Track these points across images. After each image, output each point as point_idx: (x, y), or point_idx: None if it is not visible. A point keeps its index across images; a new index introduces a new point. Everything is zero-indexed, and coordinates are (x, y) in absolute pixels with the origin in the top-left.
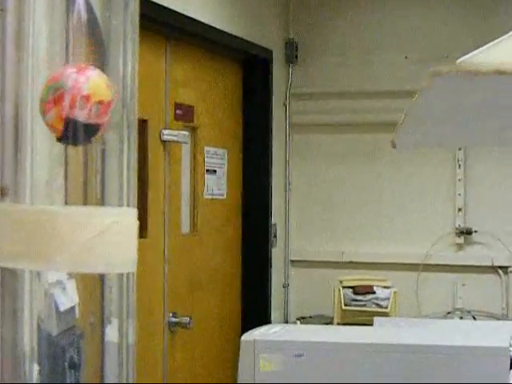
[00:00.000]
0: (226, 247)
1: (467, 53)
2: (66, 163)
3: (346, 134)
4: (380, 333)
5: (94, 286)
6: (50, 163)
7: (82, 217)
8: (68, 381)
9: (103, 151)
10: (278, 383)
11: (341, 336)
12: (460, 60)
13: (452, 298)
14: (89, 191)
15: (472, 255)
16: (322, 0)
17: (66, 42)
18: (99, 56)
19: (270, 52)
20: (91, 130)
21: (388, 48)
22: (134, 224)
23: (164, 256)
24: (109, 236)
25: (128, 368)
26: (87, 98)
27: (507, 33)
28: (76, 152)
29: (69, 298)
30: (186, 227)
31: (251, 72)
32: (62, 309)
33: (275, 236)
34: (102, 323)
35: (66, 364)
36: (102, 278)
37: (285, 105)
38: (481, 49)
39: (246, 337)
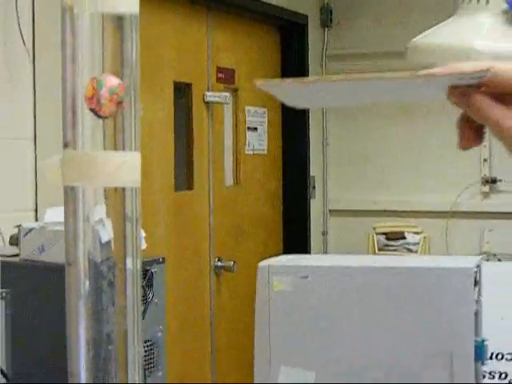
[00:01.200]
0: (268, 198)
1: None
2: (103, 125)
3: None
4: (375, 259)
5: (121, 225)
6: (92, 126)
7: (109, 157)
8: (106, 295)
9: (122, 118)
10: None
11: (339, 261)
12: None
13: (479, 242)
14: (114, 141)
15: (497, 203)
16: None
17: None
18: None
19: (306, 17)
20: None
21: (421, 10)
22: (138, 162)
23: (209, 206)
24: (124, 167)
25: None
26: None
27: None
28: (107, 121)
29: (107, 233)
30: (229, 180)
31: (288, 36)
32: (103, 241)
33: (314, 187)
34: (125, 257)
35: (106, 283)
36: (125, 217)
37: (321, 65)
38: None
39: (263, 263)
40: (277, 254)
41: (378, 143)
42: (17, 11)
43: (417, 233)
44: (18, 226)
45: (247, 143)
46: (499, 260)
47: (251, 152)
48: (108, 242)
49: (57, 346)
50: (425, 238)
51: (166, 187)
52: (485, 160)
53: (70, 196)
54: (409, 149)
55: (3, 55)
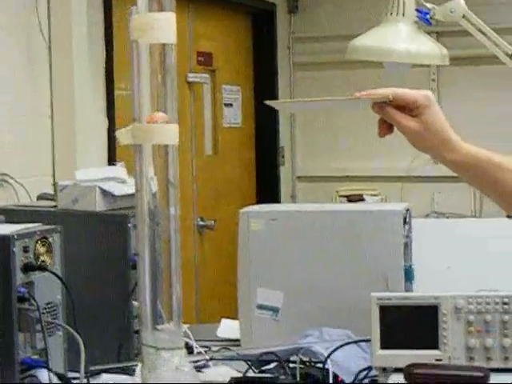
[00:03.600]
0: (243, 166)
1: None
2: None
3: (340, 71)
4: (328, 206)
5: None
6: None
7: (159, 125)
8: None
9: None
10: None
11: (300, 208)
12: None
13: (430, 203)
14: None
15: (446, 168)
16: None
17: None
18: None
19: (274, 5)
20: None
21: None
22: (177, 126)
23: (192, 173)
24: (167, 131)
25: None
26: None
27: None
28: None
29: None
30: (209, 150)
31: (259, 22)
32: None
33: (283, 157)
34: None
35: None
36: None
37: (288, 47)
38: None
39: (243, 210)
40: None
41: (341, 116)
42: (36, 6)
43: (375, 195)
44: (55, 184)
45: (224, 117)
46: (447, 217)
47: (228, 125)
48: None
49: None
50: (382, 199)
51: None
52: None
53: (138, 151)
54: (369, 121)
55: (24, 43)
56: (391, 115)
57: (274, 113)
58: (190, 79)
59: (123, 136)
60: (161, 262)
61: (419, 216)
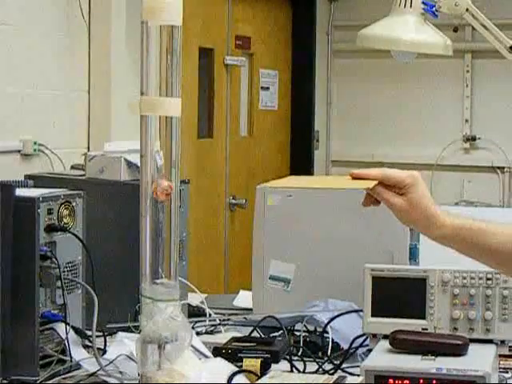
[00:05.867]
0: (277, 148)
1: None
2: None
3: (376, 59)
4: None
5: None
6: (155, 86)
7: (164, 99)
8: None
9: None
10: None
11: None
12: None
13: (460, 191)
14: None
15: (476, 157)
16: None
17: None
18: None
19: None
20: None
21: None
22: (179, 100)
23: (226, 153)
24: (172, 108)
25: None
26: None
27: None
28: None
29: (161, 159)
30: (244, 131)
31: (299, 9)
32: (158, 166)
33: (317, 140)
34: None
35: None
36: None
37: (327, 34)
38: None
39: (260, 186)
40: None
41: (376, 103)
42: None
43: None
44: (85, 154)
45: (260, 100)
46: (475, 206)
47: (264, 108)
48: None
49: (111, 243)
50: None
51: (191, 135)
52: (466, 121)
53: (144, 121)
54: (403, 110)
55: (66, 25)
56: (379, 193)
57: (310, 97)
58: (228, 62)
59: (134, 107)
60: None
61: (448, 204)
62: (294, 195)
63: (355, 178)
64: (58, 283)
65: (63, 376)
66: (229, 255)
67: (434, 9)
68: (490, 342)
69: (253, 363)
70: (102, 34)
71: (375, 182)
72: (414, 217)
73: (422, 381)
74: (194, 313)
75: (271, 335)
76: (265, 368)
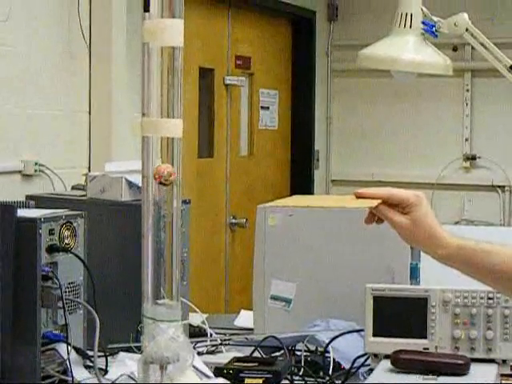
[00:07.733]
0: (277, 168)
1: None
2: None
3: (376, 79)
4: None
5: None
6: (156, 107)
7: (166, 121)
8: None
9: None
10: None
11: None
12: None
13: (460, 210)
14: (167, 114)
15: (476, 176)
16: None
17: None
18: None
19: (314, 12)
20: None
21: None
22: (181, 124)
23: (226, 172)
24: (172, 127)
25: None
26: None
27: None
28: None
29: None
30: (244, 151)
31: (298, 29)
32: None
33: (318, 160)
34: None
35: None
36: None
37: (327, 54)
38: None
39: (261, 206)
40: None
41: (376, 123)
42: (78, 12)
43: None
44: (86, 174)
45: (260, 120)
46: (476, 225)
47: (264, 127)
48: None
49: (112, 263)
50: None
51: (192, 155)
52: (466, 139)
53: (145, 142)
54: (402, 129)
55: (67, 46)
56: (384, 213)
57: (310, 116)
58: (228, 82)
59: (136, 129)
60: (163, 248)
61: (449, 223)
62: (295, 215)
63: (359, 197)
64: (60, 303)
65: None
66: (229, 275)
67: (433, 29)
68: (491, 361)
69: (254, 383)
70: (103, 54)
71: (379, 201)
72: (418, 236)
73: None
74: (195, 333)
75: (272, 355)
76: None
